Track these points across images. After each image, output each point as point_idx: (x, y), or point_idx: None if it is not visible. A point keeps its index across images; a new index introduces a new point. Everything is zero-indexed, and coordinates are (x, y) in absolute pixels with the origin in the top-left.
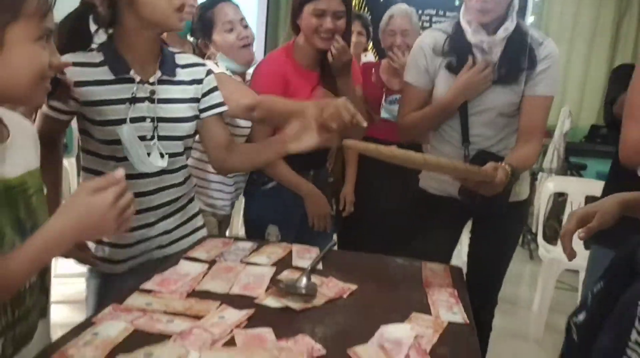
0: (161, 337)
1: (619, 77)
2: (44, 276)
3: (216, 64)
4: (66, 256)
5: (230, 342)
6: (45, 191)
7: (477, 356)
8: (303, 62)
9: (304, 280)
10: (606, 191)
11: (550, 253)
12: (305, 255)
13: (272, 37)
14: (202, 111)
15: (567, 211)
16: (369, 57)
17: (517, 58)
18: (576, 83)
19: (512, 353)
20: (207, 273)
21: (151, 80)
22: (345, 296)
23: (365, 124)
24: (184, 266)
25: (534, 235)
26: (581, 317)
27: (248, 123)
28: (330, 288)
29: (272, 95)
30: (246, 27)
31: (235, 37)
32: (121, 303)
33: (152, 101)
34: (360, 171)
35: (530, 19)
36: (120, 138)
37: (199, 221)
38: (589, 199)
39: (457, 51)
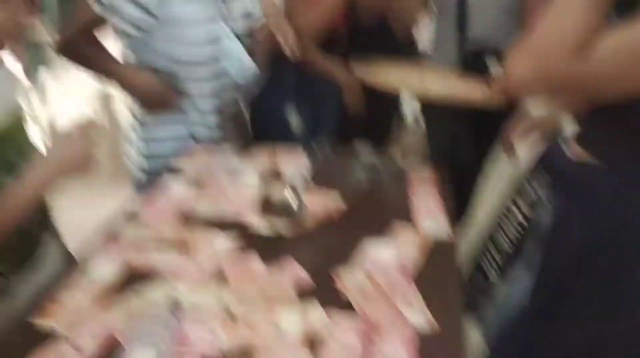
0: (152, 273)
1: None
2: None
3: None
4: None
5: (220, 276)
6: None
7: (459, 273)
8: None
9: (294, 200)
10: None
11: None
12: (292, 163)
13: None
14: None
15: None
16: None
17: None
18: None
19: None
20: (195, 192)
21: None
22: (333, 215)
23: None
24: (173, 185)
25: None
26: None
27: None
28: (317, 203)
29: None
30: None
31: None
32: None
33: None
34: None
35: None
36: None
37: None
38: None
39: None
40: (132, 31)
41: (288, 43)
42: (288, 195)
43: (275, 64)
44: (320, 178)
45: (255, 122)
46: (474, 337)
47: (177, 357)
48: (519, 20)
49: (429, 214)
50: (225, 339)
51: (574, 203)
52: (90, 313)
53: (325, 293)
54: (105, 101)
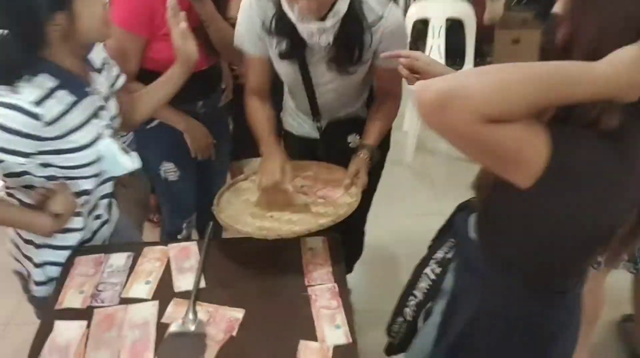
0: None
1: None
2: None
3: None
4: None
5: None
6: None
7: None
8: None
9: (192, 328)
10: None
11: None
12: (184, 263)
13: None
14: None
15: (430, 35)
16: None
17: (348, 48)
18: None
19: (389, 177)
20: (87, 337)
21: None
22: (234, 333)
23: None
24: (61, 331)
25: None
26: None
27: None
28: (218, 322)
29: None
30: None
31: None
32: None
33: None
34: None
35: None
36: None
37: None
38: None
39: (285, 34)
40: None
41: None
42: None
43: None
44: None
45: None
46: None
47: None
48: None
49: (328, 317)
50: None
51: (470, 274)
52: None
53: None
54: None
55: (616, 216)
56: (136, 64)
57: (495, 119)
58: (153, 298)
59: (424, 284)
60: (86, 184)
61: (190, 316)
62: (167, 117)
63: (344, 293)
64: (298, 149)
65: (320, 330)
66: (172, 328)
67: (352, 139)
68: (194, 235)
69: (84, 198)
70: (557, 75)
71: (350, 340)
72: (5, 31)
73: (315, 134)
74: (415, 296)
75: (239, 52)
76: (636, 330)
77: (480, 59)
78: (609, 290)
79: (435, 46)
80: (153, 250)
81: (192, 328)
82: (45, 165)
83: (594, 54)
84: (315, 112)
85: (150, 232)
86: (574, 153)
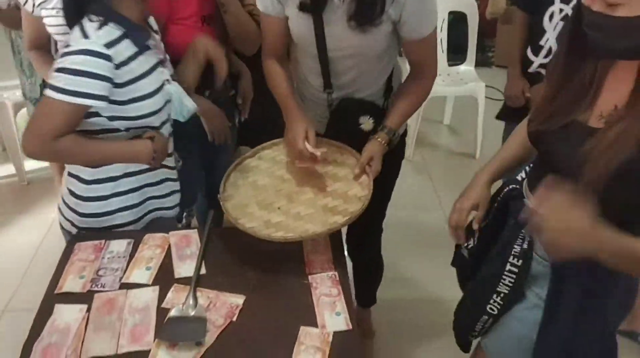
0: None
1: None
2: None
3: None
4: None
5: None
6: None
7: None
8: None
9: (192, 313)
10: None
11: None
12: (185, 250)
13: None
14: None
15: None
16: None
17: (369, 1)
18: None
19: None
20: (87, 320)
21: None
22: (234, 319)
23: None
24: (61, 314)
25: None
26: (471, 243)
27: None
28: (219, 308)
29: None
30: None
31: None
32: None
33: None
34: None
35: None
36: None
37: None
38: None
39: None
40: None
41: None
42: (185, 309)
43: None
44: (215, 266)
45: None
46: None
47: None
48: None
49: (328, 305)
50: None
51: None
52: None
53: None
54: None
55: None
56: None
57: None
58: (153, 284)
59: (507, 280)
60: None
61: (191, 301)
62: None
63: (345, 281)
64: None
65: (321, 316)
66: (173, 312)
67: (364, 120)
68: (194, 224)
69: None
70: None
71: (350, 327)
72: None
73: (325, 117)
74: (498, 293)
75: (252, 40)
76: None
77: (482, 53)
78: None
79: (437, 39)
80: (154, 237)
81: (192, 313)
82: (116, 118)
83: None
84: (327, 81)
85: None
86: None
